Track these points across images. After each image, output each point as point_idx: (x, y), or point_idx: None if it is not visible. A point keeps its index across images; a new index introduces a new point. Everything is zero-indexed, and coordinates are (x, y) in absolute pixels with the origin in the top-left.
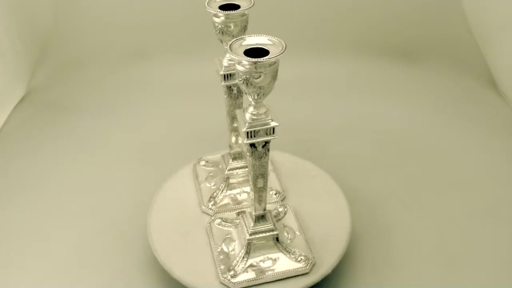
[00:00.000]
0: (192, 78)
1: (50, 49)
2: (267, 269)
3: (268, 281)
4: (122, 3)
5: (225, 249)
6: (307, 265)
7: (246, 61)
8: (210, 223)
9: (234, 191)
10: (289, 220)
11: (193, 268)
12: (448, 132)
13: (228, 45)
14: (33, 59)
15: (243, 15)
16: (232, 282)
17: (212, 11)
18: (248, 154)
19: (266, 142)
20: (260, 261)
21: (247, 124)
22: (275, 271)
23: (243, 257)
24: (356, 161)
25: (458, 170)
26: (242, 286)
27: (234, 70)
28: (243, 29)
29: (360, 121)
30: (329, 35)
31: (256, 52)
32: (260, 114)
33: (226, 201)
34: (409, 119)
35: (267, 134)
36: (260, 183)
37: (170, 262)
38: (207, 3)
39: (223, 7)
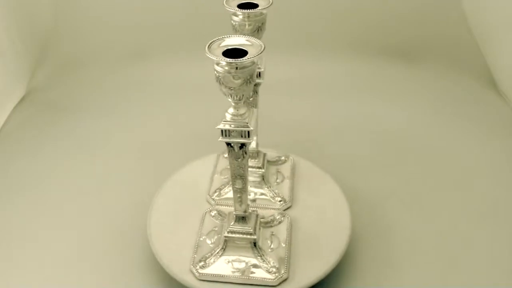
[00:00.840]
0: (192, 78)
1: (50, 49)
2: (236, 270)
3: (232, 281)
4: (122, 3)
5: (207, 241)
6: (276, 278)
7: (224, 61)
8: (206, 212)
9: None
10: (280, 230)
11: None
12: (448, 132)
13: (207, 46)
14: (33, 59)
15: (260, 14)
16: (199, 272)
17: (230, 10)
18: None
19: (243, 145)
20: (233, 260)
21: (222, 123)
22: (243, 274)
23: (218, 252)
24: (356, 161)
25: (458, 170)
26: (207, 279)
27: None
28: (258, 29)
29: (359, 121)
30: (328, 35)
31: (234, 53)
32: (238, 115)
33: (230, 195)
34: (408, 119)
35: (242, 136)
36: (238, 184)
37: (170, 262)
38: (226, 1)
39: (242, 6)
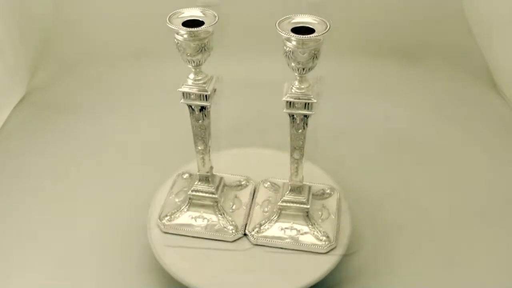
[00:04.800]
0: None
1: (50, 49)
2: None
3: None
4: (122, 3)
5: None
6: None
7: (184, 30)
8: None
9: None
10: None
11: (194, 268)
12: (448, 132)
13: (167, 17)
14: (33, 59)
15: (316, 40)
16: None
17: (284, 35)
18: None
19: (203, 107)
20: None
21: (183, 86)
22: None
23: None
24: (356, 161)
25: (458, 170)
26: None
27: (300, 99)
28: (313, 58)
29: (360, 121)
30: (329, 35)
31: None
32: (197, 80)
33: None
34: (409, 119)
35: (201, 99)
36: (201, 146)
37: (170, 262)
38: (278, 23)
39: (296, 30)
